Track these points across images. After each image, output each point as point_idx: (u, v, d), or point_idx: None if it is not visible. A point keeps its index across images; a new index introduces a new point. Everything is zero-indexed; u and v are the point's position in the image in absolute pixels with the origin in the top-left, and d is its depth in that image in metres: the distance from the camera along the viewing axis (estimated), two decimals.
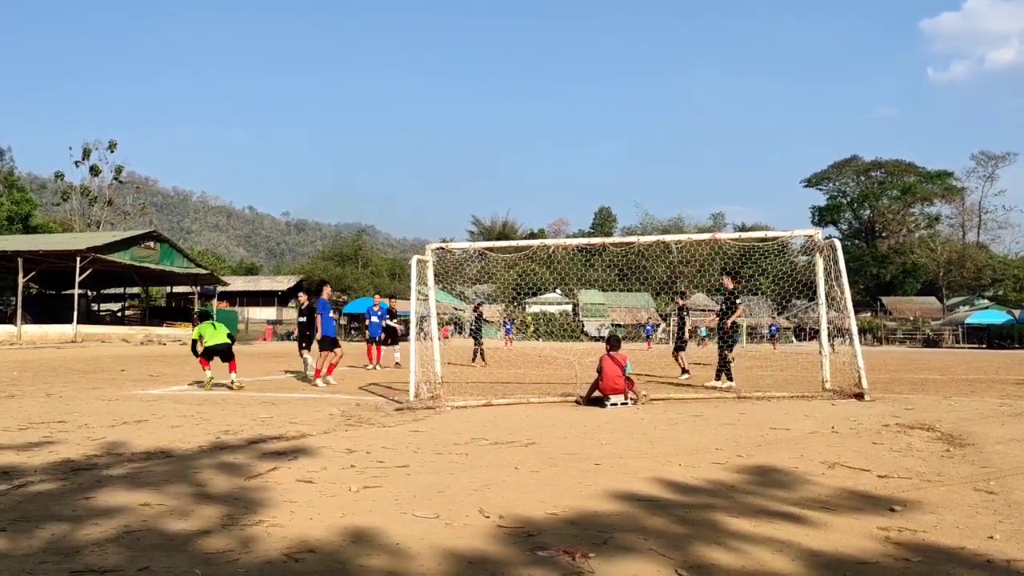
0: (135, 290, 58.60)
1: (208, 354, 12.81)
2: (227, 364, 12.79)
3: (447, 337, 36.53)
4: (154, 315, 53.51)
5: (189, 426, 7.79)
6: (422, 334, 11.84)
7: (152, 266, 44.90)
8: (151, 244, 45.46)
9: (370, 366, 18.73)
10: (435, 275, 12.42)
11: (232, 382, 12.47)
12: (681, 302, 17.22)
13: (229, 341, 13.11)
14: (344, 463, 5.76)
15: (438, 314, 13.20)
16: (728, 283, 13.78)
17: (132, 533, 3.80)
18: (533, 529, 3.92)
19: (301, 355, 16.39)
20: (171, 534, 3.80)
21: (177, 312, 52.77)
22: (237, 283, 70.54)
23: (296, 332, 20.28)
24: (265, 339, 53.64)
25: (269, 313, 69.48)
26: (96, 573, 3.20)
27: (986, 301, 72.29)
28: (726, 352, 13.18)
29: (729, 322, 13.34)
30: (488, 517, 4.15)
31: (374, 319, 19.82)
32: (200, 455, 6.09)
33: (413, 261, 11.77)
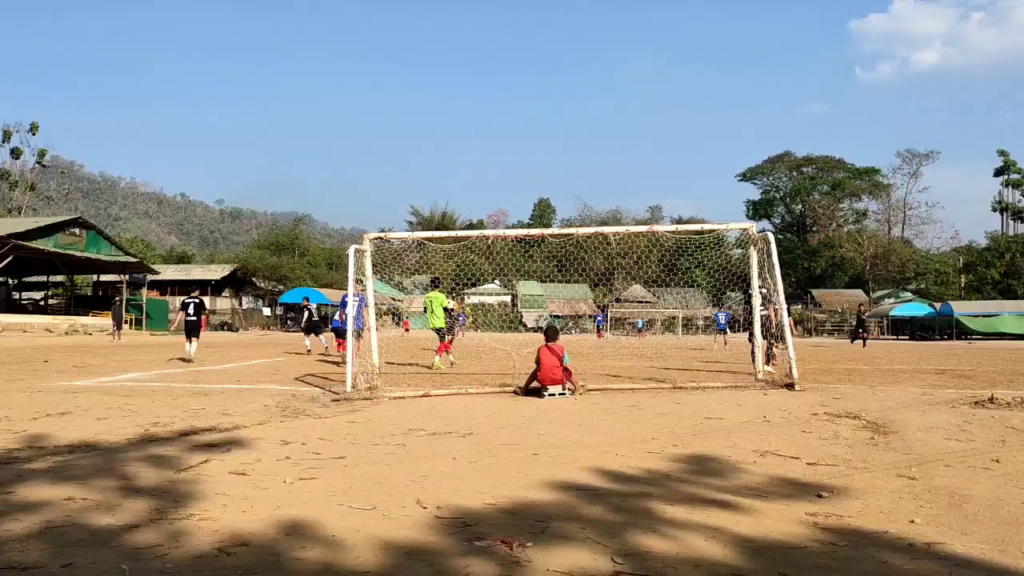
0: (59, 278, 56.68)
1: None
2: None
3: (408, 330, 36.28)
4: (80, 304, 51.88)
5: (116, 418, 7.57)
6: (357, 325, 11.73)
7: (78, 254, 43.50)
8: (77, 231, 44.00)
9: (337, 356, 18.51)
10: (373, 265, 12.31)
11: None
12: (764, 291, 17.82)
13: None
14: (279, 455, 5.67)
15: (377, 304, 13.09)
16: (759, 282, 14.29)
17: (55, 528, 3.68)
18: (470, 519, 3.91)
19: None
20: (96, 529, 3.68)
21: (104, 301, 51.22)
22: (168, 272, 68.67)
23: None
24: (180, 327, 52.32)
25: None
26: (17, 570, 3.08)
27: (909, 294, 74.86)
28: (772, 342, 13.74)
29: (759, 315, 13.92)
30: (425, 508, 4.13)
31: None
32: (128, 448, 5.92)
33: (351, 251, 11.64)
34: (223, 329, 54.95)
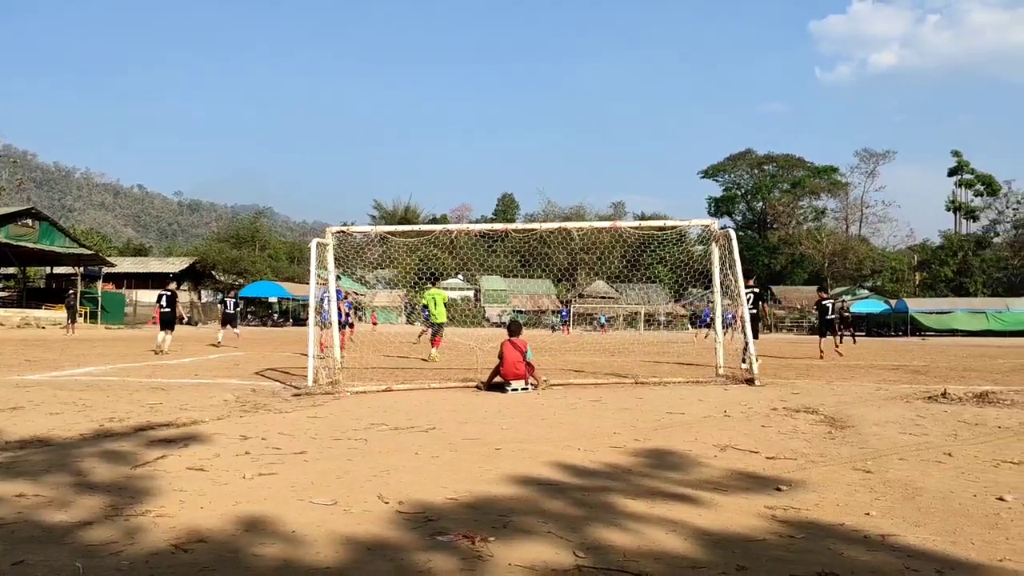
0: (11, 270, 55.33)
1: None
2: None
3: (375, 324, 36.06)
4: (32, 297, 50.71)
5: (70, 413, 7.42)
6: (321, 319, 11.64)
7: (30, 245, 42.46)
8: (29, 222, 42.94)
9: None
10: (336, 259, 12.21)
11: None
12: (823, 295, 20.95)
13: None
14: (238, 450, 5.60)
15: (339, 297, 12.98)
16: (750, 282, 15.19)
17: (6, 526, 3.59)
18: (433, 514, 3.90)
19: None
20: (49, 526, 3.60)
21: (58, 294, 50.11)
22: (125, 264, 67.42)
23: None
24: (155, 322, 51.53)
25: None
26: None
27: (866, 291, 76.16)
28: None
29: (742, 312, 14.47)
30: (387, 503, 4.11)
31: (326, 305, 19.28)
32: (82, 443, 5.80)
33: (313, 244, 11.53)
34: (181, 323, 54.09)
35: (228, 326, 23.33)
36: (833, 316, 17.08)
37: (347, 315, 23.19)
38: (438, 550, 3.31)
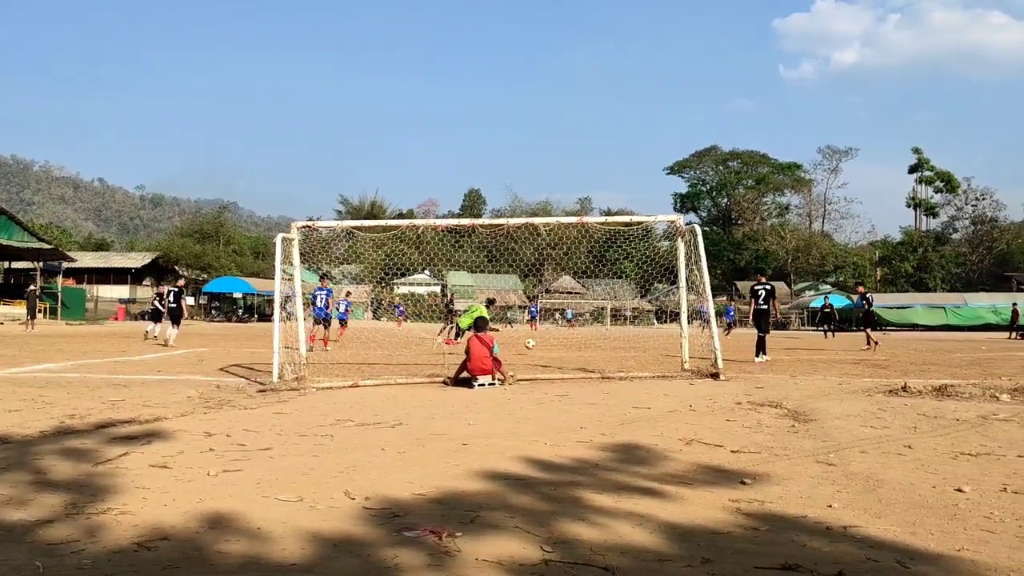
0: None
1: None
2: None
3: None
4: None
5: (30, 410, 7.28)
6: (286, 314, 11.54)
7: None
8: None
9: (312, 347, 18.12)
10: (301, 254, 12.10)
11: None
12: (862, 290, 22.42)
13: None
14: (202, 447, 5.53)
15: (304, 294, 12.89)
16: (762, 278, 16.89)
17: None
18: (399, 510, 3.89)
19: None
20: (8, 525, 3.53)
21: (17, 289, 49.08)
22: (85, 259, 66.25)
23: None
24: (117, 318, 50.73)
25: (121, 291, 65.66)
26: None
27: (828, 286, 77.22)
28: (766, 335, 16.03)
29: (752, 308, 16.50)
30: (354, 499, 4.09)
31: (318, 303, 19.47)
32: (42, 441, 5.70)
33: (278, 239, 11.42)
34: (144, 318, 53.24)
35: (156, 321, 22.70)
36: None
37: (346, 312, 24.02)
38: (405, 546, 3.30)
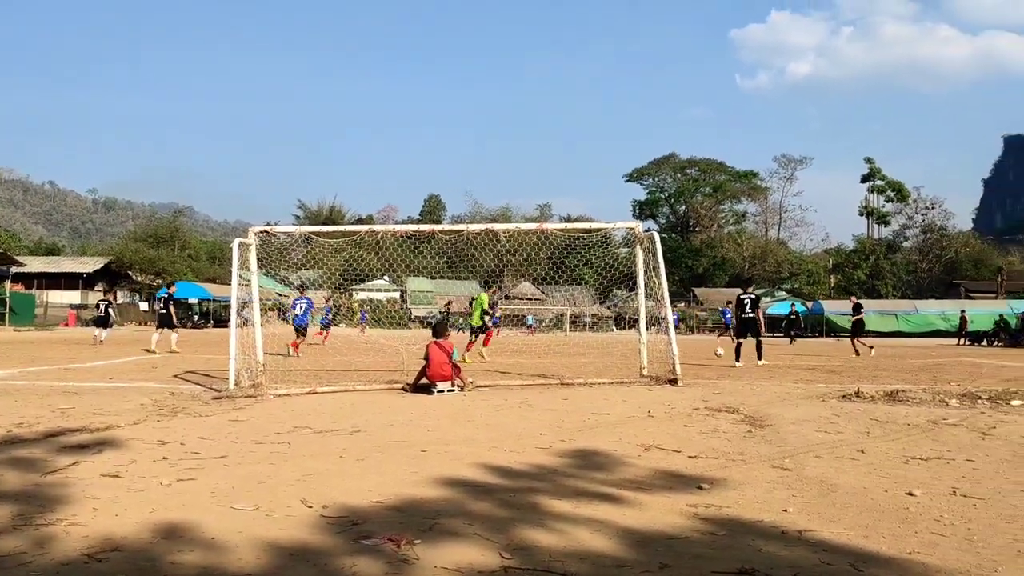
0: None
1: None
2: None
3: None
4: None
5: None
6: (243, 320, 11.39)
7: None
8: None
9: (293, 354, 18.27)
10: (258, 259, 11.96)
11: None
12: (855, 300, 23.51)
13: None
14: (156, 455, 5.43)
15: (261, 300, 12.72)
16: (749, 289, 17.51)
17: None
18: (357, 518, 3.85)
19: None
20: None
21: None
22: (35, 264, 64.63)
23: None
24: (67, 324, 49.61)
25: (72, 297, 64.26)
26: None
27: (784, 293, 78.34)
28: (762, 339, 16.83)
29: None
30: (311, 507, 4.04)
31: (297, 311, 20.17)
32: None
33: (235, 244, 11.28)
34: (95, 325, 52.11)
35: (102, 327, 24.23)
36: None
37: (329, 319, 24.50)
38: (363, 554, 3.27)
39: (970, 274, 74.12)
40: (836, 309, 55.81)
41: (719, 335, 36.58)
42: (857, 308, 22.88)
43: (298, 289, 21.27)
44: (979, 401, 8.90)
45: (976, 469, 5.22)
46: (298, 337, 19.16)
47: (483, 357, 17.43)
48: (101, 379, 11.70)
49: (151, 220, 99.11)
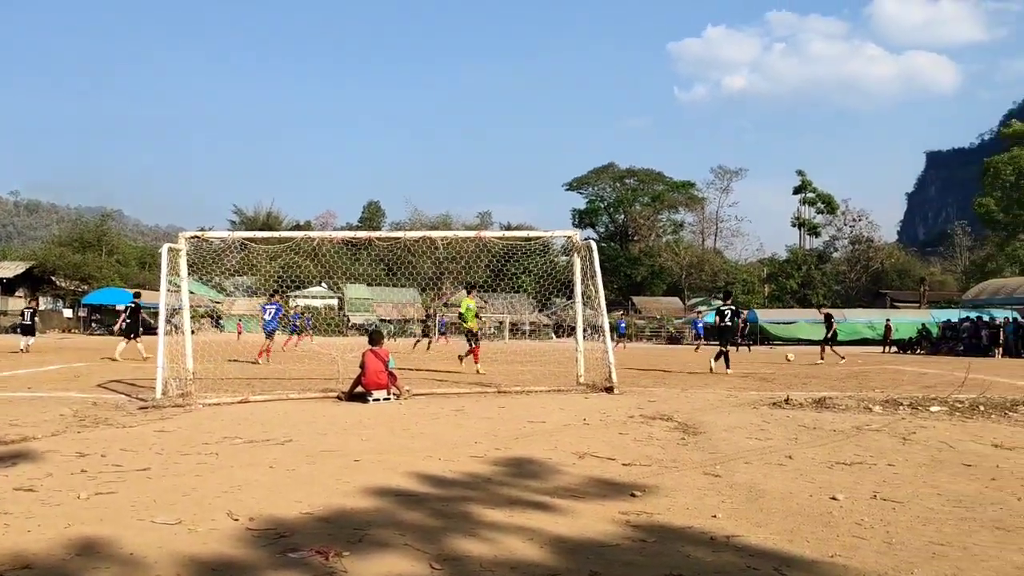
0: None
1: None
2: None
3: (241, 333, 35.12)
4: None
5: None
6: (172, 327, 11.10)
7: None
8: None
9: (260, 361, 18.23)
10: (190, 265, 11.70)
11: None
12: (826, 311, 26.00)
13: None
14: (74, 468, 5.23)
15: (194, 306, 12.44)
16: (728, 301, 18.71)
17: None
18: (285, 530, 3.77)
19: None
20: None
21: None
22: None
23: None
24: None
25: None
26: None
27: (720, 302, 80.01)
28: (729, 347, 17.64)
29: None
30: (237, 520, 3.94)
31: (267, 316, 20.28)
32: None
33: (164, 250, 11.00)
34: (15, 332, 50.20)
35: (28, 337, 23.68)
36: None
37: (295, 326, 25.00)
38: (289, 567, 3.20)
39: (895, 284, 76.62)
40: (770, 318, 57.14)
41: (697, 347, 37.31)
42: (828, 319, 24.33)
43: (269, 296, 21.21)
44: (901, 407, 9.18)
45: (896, 473, 5.38)
46: (266, 342, 19.32)
47: (477, 370, 15.77)
48: (19, 388, 11.27)
49: (77, 224, 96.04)
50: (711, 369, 16.89)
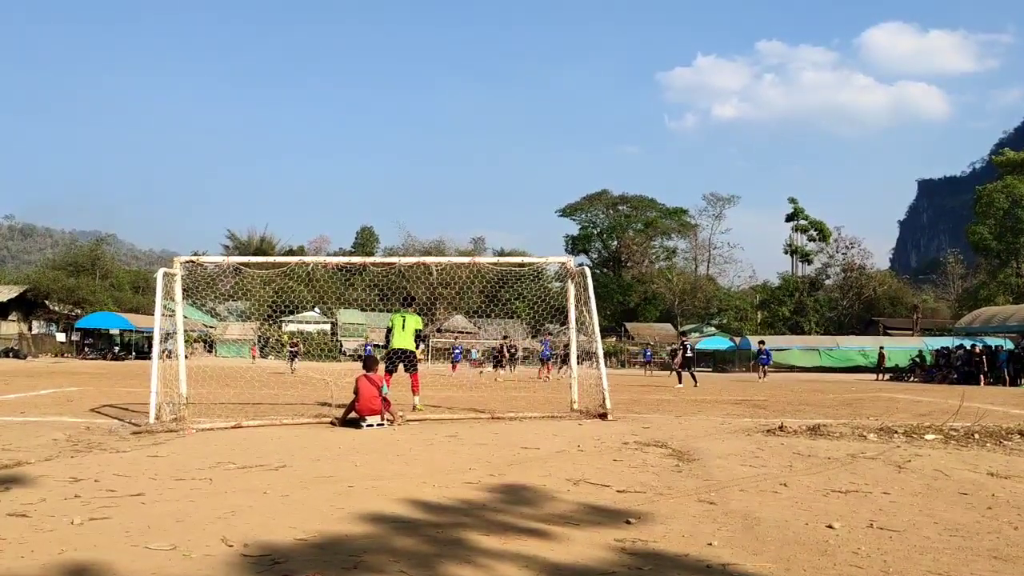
0: None
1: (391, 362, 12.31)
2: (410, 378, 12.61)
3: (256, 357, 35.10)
4: None
5: None
6: (167, 352, 11.09)
7: None
8: None
9: None
10: (185, 290, 11.69)
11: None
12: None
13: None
14: (67, 493, 5.20)
15: (187, 331, 12.41)
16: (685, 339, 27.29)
17: None
18: (279, 556, 3.75)
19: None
20: None
21: None
22: None
23: None
24: None
25: None
26: None
27: (713, 328, 79.92)
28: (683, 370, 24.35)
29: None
30: (231, 546, 3.92)
31: None
32: None
33: (159, 274, 11.00)
34: (9, 356, 49.95)
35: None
36: (690, 355, 25.01)
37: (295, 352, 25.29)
38: None
39: (887, 311, 76.76)
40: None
41: (647, 371, 39.46)
42: (683, 344, 27.60)
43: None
44: (895, 435, 9.18)
45: (893, 502, 5.38)
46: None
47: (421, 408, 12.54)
48: (12, 413, 11.20)
49: (71, 248, 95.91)
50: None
